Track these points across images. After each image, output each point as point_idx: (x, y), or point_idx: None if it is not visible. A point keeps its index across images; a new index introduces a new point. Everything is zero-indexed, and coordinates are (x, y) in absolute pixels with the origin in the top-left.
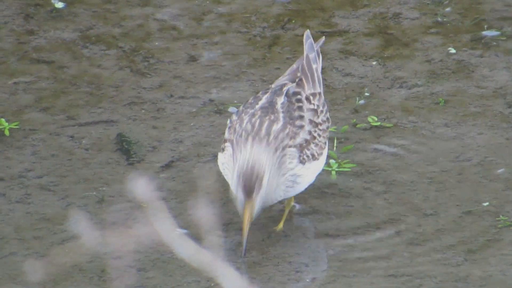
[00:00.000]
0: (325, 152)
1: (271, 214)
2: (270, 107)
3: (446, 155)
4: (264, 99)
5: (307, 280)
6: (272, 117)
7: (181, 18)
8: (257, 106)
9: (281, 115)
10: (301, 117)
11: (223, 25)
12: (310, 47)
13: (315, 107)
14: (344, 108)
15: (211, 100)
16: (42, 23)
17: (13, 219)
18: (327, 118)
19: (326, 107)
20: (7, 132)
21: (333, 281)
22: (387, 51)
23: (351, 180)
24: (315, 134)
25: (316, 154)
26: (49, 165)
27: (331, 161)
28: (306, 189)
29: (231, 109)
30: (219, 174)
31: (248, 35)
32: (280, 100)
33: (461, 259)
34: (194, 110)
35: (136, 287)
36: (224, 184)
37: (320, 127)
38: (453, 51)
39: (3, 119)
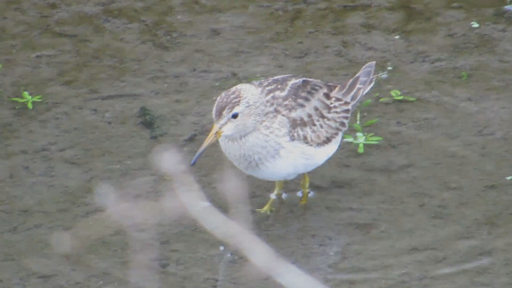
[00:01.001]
0: (325, 148)
1: (294, 188)
2: (281, 81)
3: (469, 129)
4: (280, 77)
5: (331, 254)
6: (279, 86)
7: None
8: (271, 78)
9: (287, 88)
10: (307, 99)
11: None
12: (366, 74)
13: (330, 105)
14: None
15: (233, 74)
16: None
17: (37, 192)
18: (341, 122)
19: (345, 115)
20: (30, 106)
21: (357, 255)
22: (409, 25)
23: (374, 154)
24: (316, 122)
25: (309, 139)
26: (72, 138)
27: (358, 134)
28: (313, 170)
29: (254, 82)
30: None
31: (270, 9)
32: (294, 80)
33: (485, 232)
34: (217, 84)
35: (159, 260)
36: None
37: (326, 122)
38: (476, 25)
39: (26, 93)
